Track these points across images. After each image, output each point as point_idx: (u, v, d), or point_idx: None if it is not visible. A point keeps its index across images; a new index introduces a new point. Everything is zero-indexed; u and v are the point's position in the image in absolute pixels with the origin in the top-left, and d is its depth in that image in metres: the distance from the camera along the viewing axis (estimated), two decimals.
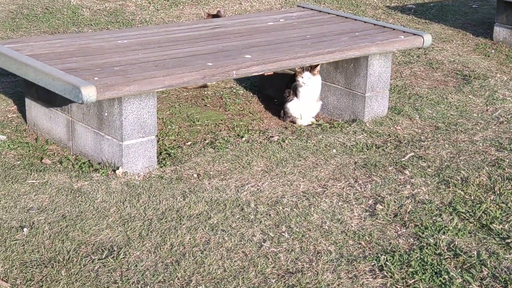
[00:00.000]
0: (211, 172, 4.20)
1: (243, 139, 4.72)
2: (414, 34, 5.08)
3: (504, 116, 5.20)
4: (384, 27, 5.28)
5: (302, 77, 4.94)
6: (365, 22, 5.43)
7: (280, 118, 5.18)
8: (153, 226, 3.52)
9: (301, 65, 4.66)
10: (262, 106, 5.40)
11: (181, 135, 4.80)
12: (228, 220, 3.61)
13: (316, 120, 5.15)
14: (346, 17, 5.56)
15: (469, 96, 5.64)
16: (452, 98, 5.57)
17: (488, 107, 5.41)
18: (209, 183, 4.04)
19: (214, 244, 3.38)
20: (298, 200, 3.83)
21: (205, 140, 4.72)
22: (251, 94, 5.59)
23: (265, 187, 4.00)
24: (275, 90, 5.49)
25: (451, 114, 5.24)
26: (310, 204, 3.79)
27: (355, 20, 5.49)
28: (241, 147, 4.55)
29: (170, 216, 3.62)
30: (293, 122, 5.11)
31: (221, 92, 5.59)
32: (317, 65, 4.88)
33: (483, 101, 5.54)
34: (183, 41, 4.80)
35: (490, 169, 4.22)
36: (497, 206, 3.77)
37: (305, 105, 5.06)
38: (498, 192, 3.92)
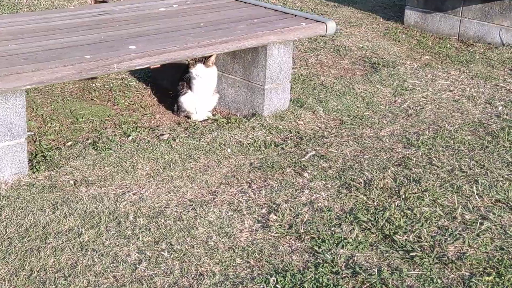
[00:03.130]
0: (90, 178, 3.76)
1: (130, 138, 4.27)
2: (317, 21, 4.72)
3: (412, 108, 4.90)
4: (285, 13, 4.89)
5: (195, 69, 4.53)
6: (265, 7, 5.03)
7: (173, 113, 4.75)
8: (12, 246, 3.06)
9: (192, 57, 4.25)
10: (155, 99, 4.96)
11: (62, 134, 4.32)
12: (101, 236, 3.18)
13: (213, 115, 4.75)
14: (246, 2, 5.15)
15: (377, 86, 5.32)
16: (359, 89, 5.24)
17: (397, 98, 5.11)
18: (86, 191, 3.60)
19: (82, 268, 2.94)
20: (183, 211, 3.42)
21: (87, 139, 4.26)
22: (144, 86, 5.14)
23: (148, 195, 3.59)
24: (170, 82, 5.05)
25: (357, 107, 4.91)
26: (196, 215, 3.39)
27: (255, 5, 5.08)
28: (126, 148, 4.11)
29: (34, 233, 3.17)
30: (188, 117, 4.70)
31: (111, 84, 5.13)
32: (211, 55, 4.47)
33: (391, 91, 5.22)
34: (62, 30, 4.32)
35: (396, 169, 3.90)
36: (402, 213, 3.45)
37: (200, 98, 4.65)
38: (404, 197, 3.60)
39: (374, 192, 3.64)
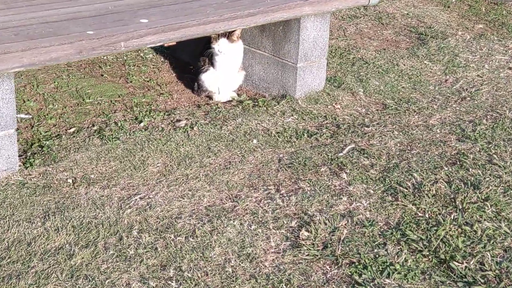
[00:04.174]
0: (92, 175, 3.22)
1: (141, 124, 3.72)
2: None
3: (466, 90, 4.27)
4: None
5: (218, 45, 3.94)
6: None
7: (193, 92, 4.19)
8: None
9: (214, 32, 3.66)
10: (174, 75, 4.40)
11: (64, 118, 3.79)
12: (98, 258, 2.64)
13: (238, 95, 4.17)
14: None
15: (425, 61, 4.68)
16: (404, 65, 4.61)
17: (448, 76, 4.48)
18: (86, 194, 3.07)
19: None
20: (198, 223, 2.87)
21: (93, 125, 3.72)
22: (162, 59, 4.57)
23: (158, 200, 3.04)
24: (191, 54, 4.46)
25: (403, 87, 4.30)
26: (212, 230, 2.84)
27: None
28: (136, 137, 3.56)
29: (16, 253, 2.64)
30: (210, 97, 4.13)
31: (125, 57, 4.56)
32: (236, 29, 3.88)
33: (441, 68, 4.59)
34: None
35: (450, 169, 3.30)
36: (459, 230, 2.86)
37: (223, 76, 4.07)
38: (461, 207, 3.01)
39: (425, 200, 3.06)
